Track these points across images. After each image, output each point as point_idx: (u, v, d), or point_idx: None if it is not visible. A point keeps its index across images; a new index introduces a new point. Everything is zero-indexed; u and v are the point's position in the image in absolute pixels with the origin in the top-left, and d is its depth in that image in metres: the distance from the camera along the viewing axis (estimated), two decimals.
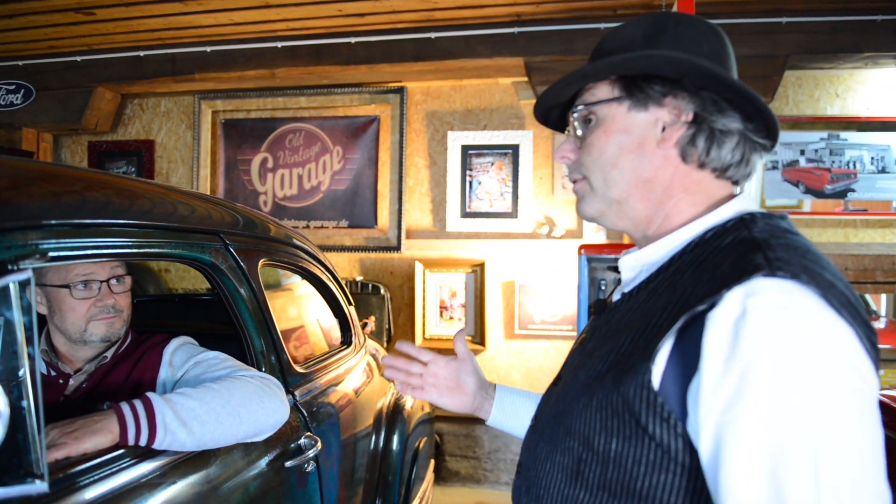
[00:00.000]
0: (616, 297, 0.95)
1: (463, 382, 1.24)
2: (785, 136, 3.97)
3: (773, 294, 0.68)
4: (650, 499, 0.75)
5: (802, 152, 3.94)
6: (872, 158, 3.90)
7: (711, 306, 0.71)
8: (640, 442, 0.75)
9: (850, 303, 0.71)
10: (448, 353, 1.28)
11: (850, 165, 3.90)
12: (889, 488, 0.65)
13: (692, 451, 0.72)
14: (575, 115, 0.92)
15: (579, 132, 0.92)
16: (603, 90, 0.89)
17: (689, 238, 0.85)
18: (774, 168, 3.97)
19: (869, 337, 0.70)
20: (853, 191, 3.91)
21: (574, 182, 0.95)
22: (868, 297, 4.33)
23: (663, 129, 0.86)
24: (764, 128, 0.87)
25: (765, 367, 0.65)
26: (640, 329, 0.80)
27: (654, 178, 0.87)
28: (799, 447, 0.63)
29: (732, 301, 0.69)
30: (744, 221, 0.81)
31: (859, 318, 0.70)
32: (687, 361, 0.72)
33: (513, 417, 1.23)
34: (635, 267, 0.92)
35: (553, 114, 1.00)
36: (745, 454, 0.65)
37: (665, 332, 0.74)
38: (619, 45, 0.90)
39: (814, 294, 0.68)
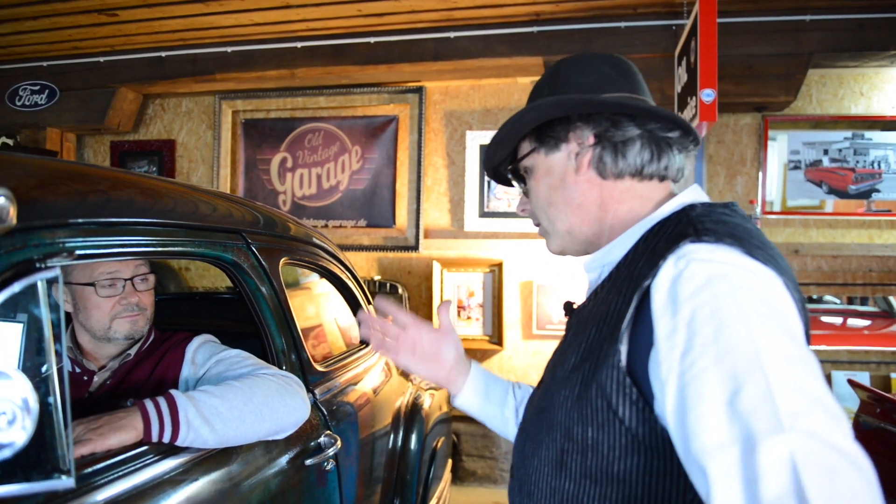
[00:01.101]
0: (586, 297, 1.02)
1: (441, 354, 1.22)
2: (808, 135, 3.92)
3: (700, 253, 0.77)
4: (626, 482, 0.80)
5: (826, 152, 3.89)
6: None
7: (653, 278, 0.79)
8: (613, 427, 0.81)
9: (775, 261, 0.80)
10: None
11: (875, 165, 3.85)
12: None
13: (658, 435, 0.78)
14: (509, 173, 1.08)
15: (522, 185, 1.07)
16: (525, 145, 1.04)
17: (641, 233, 0.92)
18: (797, 168, 3.92)
19: (796, 286, 0.80)
20: (878, 191, 3.85)
21: (537, 226, 1.07)
22: (892, 298, 4.26)
23: (575, 157, 0.97)
24: (671, 123, 0.95)
25: (704, 310, 0.72)
26: (603, 318, 0.86)
27: (584, 201, 0.98)
28: (748, 368, 0.67)
29: (667, 267, 0.78)
30: (685, 210, 0.90)
31: (786, 272, 0.79)
32: (645, 336, 0.78)
33: (483, 398, 1.23)
34: (597, 267, 1.00)
35: (501, 170, 1.14)
36: (706, 391, 0.69)
37: (624, 313, 0.81)
38: (535, 92, 1.04)
39: (736, 250, 0.77)
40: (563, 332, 1.06)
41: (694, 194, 0.96)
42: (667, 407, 0.73)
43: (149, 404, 1.22)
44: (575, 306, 1.06)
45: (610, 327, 0.83)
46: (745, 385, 0.66)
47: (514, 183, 1.10)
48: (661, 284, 0.77)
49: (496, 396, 1.24)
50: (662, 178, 0.97)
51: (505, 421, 1.22)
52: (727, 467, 0.64)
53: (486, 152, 1.09)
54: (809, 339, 0.81)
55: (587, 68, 1.00)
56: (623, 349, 0.80)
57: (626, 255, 0.91)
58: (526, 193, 1.07)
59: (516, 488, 0.99)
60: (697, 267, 0.75)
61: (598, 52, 1.05)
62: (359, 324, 1.29)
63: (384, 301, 1.23)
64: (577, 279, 3.98)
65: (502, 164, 1.12)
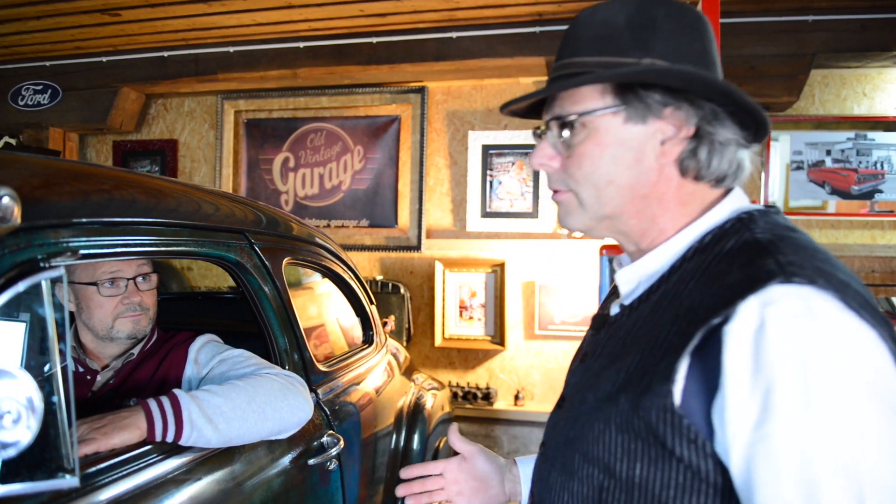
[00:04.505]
0: (614, 309, 0.89)
1: (483, 477, 1.12)
2: (811, 136, 3.91)
3: (792, 301, 0.65)
4: None
5: (829, 152, 3.88)
6: None
7: (726, 318, 0.67)
8: (668, 464, 0.71)
9: (867, 302, 0.69)
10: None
11: (878, 166, 3.84)
12: None
13: (723, 471, 0.69)
14: (560, 120, 0.83)
15: (565, 136, 0.83)
16: (591, 95, 0.81)
17: (686, 245, 0.81)
18: (800, 168, 3.92)
19: (891, 335, 0.68)
20: (881, 191, 3.84)
21: (556, 192, 0.87)
22: (895, 299, 4.25)
23: (662, 142, 0.80)
24: (754, 134, 0.82)
25: (790, 380, 0.62)
26: (648, 345, 0.76)
27: (651, 193, 0.82)
28: (834, 463, 0.60)
29: (749, 312, 0.66)
30: (742, 222, 0.78)
31: (878, 316, 0.68)
32: (708, 378, 0.69)
33: None
34: (633, 279, 0.86)
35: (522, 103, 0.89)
36: (778, 474, 0.62)
37: (680, 349, 0.70)
38: (602, 33, 0.80)
39: (833, 298, 0.65)
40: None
41: (740, 198, 0.83)
42: (733, 467, 0.67)
43: (152, 404, 1.22)
44: (607, 314, 0.92)
45: (657, 358, 0.73)
46: (823, 480, 0.60)
47: (548, 129, 0.86)
48: (740, 332, 0.66)
49: None
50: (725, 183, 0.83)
51: None
52: None
53: (535, 93, 0.84)
54: None
55: (692, 31, 0.80)
56: (677, 389, 0.70)
57: (672, 268, 0.80)
58: (562, 147, 0.84)
59: None
60: (787, 322, 0.64)
61: (691, 7, 0.83)
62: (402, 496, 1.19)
63: (408, 468, 1.17)
64: (579, 280, 3.97)
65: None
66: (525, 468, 1.12)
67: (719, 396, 0.67)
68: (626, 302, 0.86)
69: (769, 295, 0.66)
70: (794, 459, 0.61)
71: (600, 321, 0.92)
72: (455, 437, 1.14)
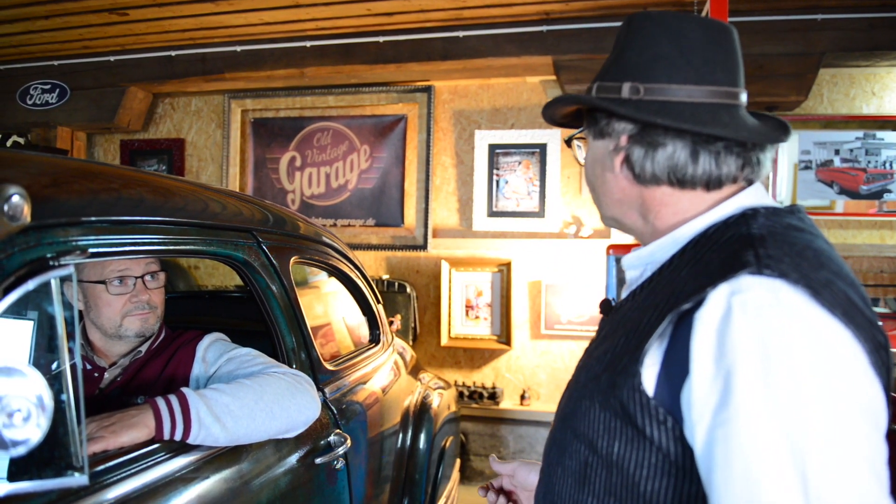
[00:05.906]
0: (623, 295, 0.94)
1: (529, 485, 1.14)
2: (819, 135, 3.89)
3: (759, 292, 0.67)
4: None
5: (837, 152, 3.86)
6: None
7: (698, 304, 0.70)
8: (641, 445, 0.74)
9: (849, 301, 0.70)
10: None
11: (887, 165, 3.82)
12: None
13: (691, 455, 0.71)
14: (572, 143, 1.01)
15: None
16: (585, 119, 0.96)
17: (691, 234, 0.83)
18: (808, 168, 3.90)
19: (874, 336, 0.70)
20: (889, 191, 3.81)
21: None
22: None
23: (611, 154, 0.89)
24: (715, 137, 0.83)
25: (749, 368, 0.64)
26: (633, 328, 0.79)
27: (623, 198, 0.91)
28: (782, 455, 0.62)
29: (717, 299, 0.69)
30: (745, 217, 0.80)
31: (859, 316, 0.69)
32: (679, 363, 0.72)
33: None
34: (639, 265, 0.92)
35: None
36: (730, 459, 0.64)
37: (653, 331, 0.74)
38: (612, 55, 0.92)
39: (802, 292, 0.67)
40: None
41: (755, 195, 0.84)
42: (696, 445, 0.69)
43: (161, 402, 1.22)
44: (613, 304, 0.99)
45: (637, 341, 0.76)
46: (771, 469, 0.62)
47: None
48: (707, 318, 0.69)
49: None
50: (708, 186, 0.84)
51: None
52: None
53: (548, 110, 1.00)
54: (892, 402, 0.72)
55: (658, 35, 0.86)
56: (646, 370, 0.74)
57: (673, 257, 0.83)
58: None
59: (541, 494, 0.93)
60: (752, 311, 0.66)
61: (671, 18, 0.87)
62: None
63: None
64: (586, 280, 3.96)
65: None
66: None
67: (687, 381, 0.70)
68: (633, 287, 0.91)
69: (738, 284, 0.69)
70: (748, 445, 0.63)
71: (606, 307, 1.00)
72: (495, 464, 1.18)
